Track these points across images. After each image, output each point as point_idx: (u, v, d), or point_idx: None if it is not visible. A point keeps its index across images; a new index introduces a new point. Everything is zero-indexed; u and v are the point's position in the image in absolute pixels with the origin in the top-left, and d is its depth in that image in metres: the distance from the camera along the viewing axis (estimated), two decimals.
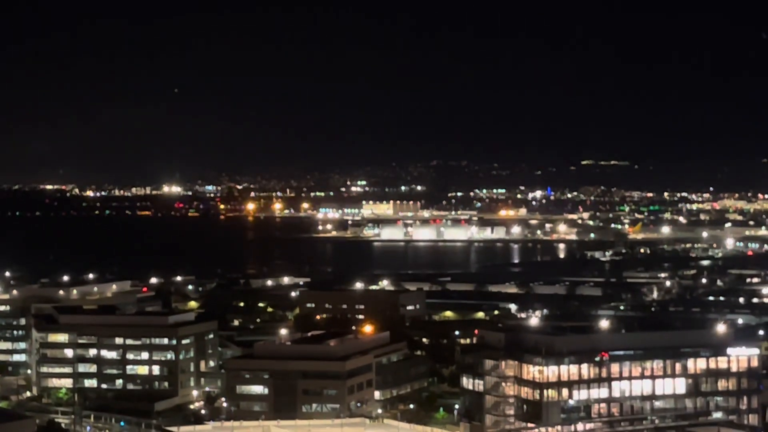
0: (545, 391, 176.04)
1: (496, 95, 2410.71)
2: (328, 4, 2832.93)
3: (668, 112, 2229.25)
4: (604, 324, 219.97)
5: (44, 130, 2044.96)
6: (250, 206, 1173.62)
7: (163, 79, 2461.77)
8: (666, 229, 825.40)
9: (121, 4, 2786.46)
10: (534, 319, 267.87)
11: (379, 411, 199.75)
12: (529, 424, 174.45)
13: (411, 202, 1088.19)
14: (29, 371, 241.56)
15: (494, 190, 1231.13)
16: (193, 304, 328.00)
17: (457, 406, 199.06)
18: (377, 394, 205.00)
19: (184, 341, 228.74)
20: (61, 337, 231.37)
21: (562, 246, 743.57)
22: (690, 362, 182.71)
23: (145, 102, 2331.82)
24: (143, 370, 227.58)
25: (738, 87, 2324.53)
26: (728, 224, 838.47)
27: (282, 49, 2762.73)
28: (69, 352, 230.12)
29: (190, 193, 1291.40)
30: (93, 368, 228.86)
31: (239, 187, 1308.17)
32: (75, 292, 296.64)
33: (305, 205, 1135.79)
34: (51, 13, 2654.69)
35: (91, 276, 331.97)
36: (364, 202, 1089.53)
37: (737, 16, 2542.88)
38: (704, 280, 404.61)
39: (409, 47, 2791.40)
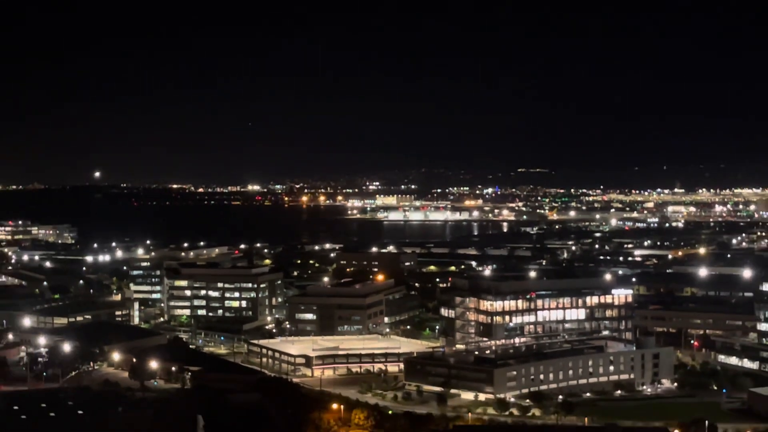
0: (494, 317, 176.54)
1: (461, 125, 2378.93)
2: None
3: (574, 135, 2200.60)
4: (532, 274, 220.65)
5: (171, 148, 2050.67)
6: (304, 198, 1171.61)
7: (247, 116, 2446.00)
8: (572, 213, 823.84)
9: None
10: (487, 271, 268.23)
11: (387, 330, 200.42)
12: (484, 338, 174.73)
13: (408, 196, 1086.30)
14: (162, 305, 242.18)
15: (462, 188, 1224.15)
16: (267, 261, 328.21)
17: (437, 327, 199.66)
18: (386, 320, 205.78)
19: (262, 285, 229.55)
20: (183, 283, 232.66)
21: (505, 224, 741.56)
22: (588, 299, 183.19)
23: (236, 129, 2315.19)
24: (235, 304, 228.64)
25: (619, 115, 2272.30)
26: (612, 210, 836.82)
27: (325, 91, 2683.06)
28: (188, 293, 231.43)
29: (265, 189, 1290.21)
30: (203, 303, 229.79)
31: (297, 186, 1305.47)
32: (192, 253, 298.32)
33: (339, 198, 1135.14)
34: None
35: (201, 243, 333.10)
36: (377, 196, 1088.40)
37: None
38: (597, 246, 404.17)
39: (401, 92, 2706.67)
